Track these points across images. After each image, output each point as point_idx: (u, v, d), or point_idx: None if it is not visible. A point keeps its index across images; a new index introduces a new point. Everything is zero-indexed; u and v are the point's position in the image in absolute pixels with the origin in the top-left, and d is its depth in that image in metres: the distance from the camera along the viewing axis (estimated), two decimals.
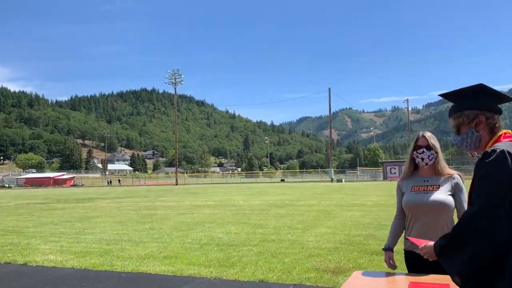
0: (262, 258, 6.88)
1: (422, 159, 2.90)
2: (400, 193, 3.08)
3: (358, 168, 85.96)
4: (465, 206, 2.75)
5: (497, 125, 1.92)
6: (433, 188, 2.88)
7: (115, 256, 7.44)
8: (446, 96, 2.08)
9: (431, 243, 1.95)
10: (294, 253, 7.24)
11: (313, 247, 7.70)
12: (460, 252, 1.75)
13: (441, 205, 2.82)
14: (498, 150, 1.73)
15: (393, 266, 3.02)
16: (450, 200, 2.84)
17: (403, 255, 3.11)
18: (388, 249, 3.08)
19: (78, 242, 9.08)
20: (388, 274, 2.84)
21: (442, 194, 2.84)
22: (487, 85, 1.94)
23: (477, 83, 1.96)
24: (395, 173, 59.60)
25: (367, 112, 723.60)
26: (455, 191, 2.88)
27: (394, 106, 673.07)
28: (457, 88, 2.04)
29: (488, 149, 1.79)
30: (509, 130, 1.92)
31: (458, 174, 2.95)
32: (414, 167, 3.02)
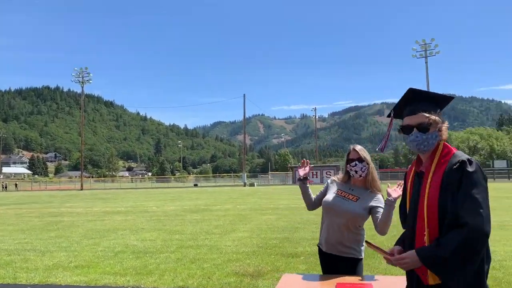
0: (181, 265, 6.79)
1: (356, 171, 3.12)
2: (325, 189, 3.34)
3: (269, 172, 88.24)
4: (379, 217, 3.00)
5: (445, 135, 2.10)
6: (353, 198, 3.11)
7: (18, 267, 6.84)
8: (420, 93, 2.10)
9: (412, 253, 1.93)
10: (213, 258, 7.25)
11: (232, 252, 7.78)
12: (470, 263, 1.81)
13: (353, 215, 3.06)
14: (473, 160, 1.91)
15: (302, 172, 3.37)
16: (361, 213, 3.06)
17: (317, 255, 3.35)
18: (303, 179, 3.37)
19: None
20: (314, 276, 3.01)
21: (358, 206, 3.07)
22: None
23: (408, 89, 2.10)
24: None
25: (278, 119, 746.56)
26: (372, 207, 3.07)
27: (303, 114, 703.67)
28: (430, 91, 2.13)
29: (464, 158, 1.92)
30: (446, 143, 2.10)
31: (382, 195, 3.19)
32: (349, 176, 3.24)
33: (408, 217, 2.13)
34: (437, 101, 2.11)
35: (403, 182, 2.39)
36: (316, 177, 61.50)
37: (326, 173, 59.66)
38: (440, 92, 2.23)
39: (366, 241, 2.36)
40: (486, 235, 1.81)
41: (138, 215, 15.30)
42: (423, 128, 2.03)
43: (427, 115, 2.03)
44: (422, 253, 1.90)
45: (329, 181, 3.37)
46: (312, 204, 3.37)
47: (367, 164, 3.11)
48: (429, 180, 1.99)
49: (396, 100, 2.32)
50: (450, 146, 2.07)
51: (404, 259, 1.94)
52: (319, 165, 76.22)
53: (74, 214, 16.69)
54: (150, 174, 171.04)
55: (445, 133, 2.07)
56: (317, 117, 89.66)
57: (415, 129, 2.04)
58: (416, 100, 2.09)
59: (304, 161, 3.42)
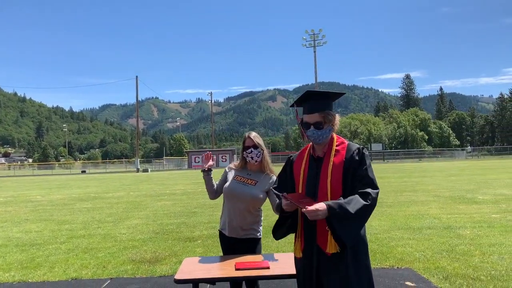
0: (73, 255, 6.52)
1: (252, 157, 3.33)
2: (225, 177, 3.49)
3: (164, 157, 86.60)
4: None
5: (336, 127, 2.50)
6: (251, 182, 3.34)
7: None
8: (315, 94, 2.44)
9: (323, 205, 2.16)
10: (107, 247, 7.07)
11: (127, 239, 7.65)
12: (359, 222, 2.26)
13: (253, 199, 3.29)
14: (363, 147, 2.42)
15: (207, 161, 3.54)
16: (261, 196, 3.31)
17: (218, 237, 3.54)
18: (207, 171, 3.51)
19: None
20: (214, 258, 3.19)
21: (257, 190, 3.31)
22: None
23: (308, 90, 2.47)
24: (199, 162, 62.39)
25: (173, 103, 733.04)
26: (269, 189, 3.32)
27: (199, 98, 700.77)
28: (325, 90, 2.48)
29: (359, 146, 2.43)
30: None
31: (275, 175, 3.44)
32: (245, 162, 3.43)
33: (308, 193, 2.41)
34: (331, 98, 2.49)
35: None
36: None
37: (222, 157, 60.55)
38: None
39: (283, 195, 2.32)
40: (375, 205, 2.30)
41: (20, 206, 14.08)
42: (318, 126, 2.40)
43: (322, 114, 2.40)
44: (333, 206, 2.18)
45: (226, 169, 3.53)
46: (214, 193, 3.50)
47: (262, 150, 3.35)
48: (330, 163, 2.38)
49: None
50: (340, 136, 2.53)
51: (318, 211, 2.16)
52: (215, 149, 76.85)
53: None
54: (30, 160, 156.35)
55: (337, 125, 2.47)
56: (213, 101, 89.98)
57: (312, 126, 2.40)
58: (312, 100, 2.44)
59: (208, 154, 3.55)
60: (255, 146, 3.33)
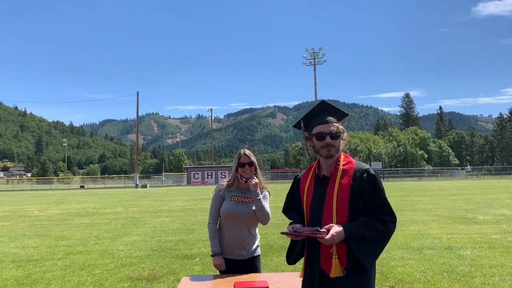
0: (70, 272, 6.45)
1: (247, 175, 3.30)
2: (220, 200, 3.37)
3: (163, 173, 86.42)
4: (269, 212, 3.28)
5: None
6: (249, 201, 3.31)
7: None
8: (330, 105, 2.42)
9: (338, 228, 2.13)
10: (104, 264, 7.00)
11: (125, 256, 7.58)
12: (377, 246, 2.23)
13: (252, 217, 3.28)
14: (372, 169, 2.33)
15: (224, 267, 3.27)
16: None
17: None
18: (218, 254, 3.31)
19: None
20: (213, 277, 3.16)
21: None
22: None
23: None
24: (198, 178, 62.28)
25: (173, 118, 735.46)
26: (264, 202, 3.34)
27: (199, 114, 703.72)
28: (336, 106, 2.45)
29: (367, 168, 2.32)
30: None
31: (268, 190, 3.44)
32: (238, 180, 3.38)
33: (312, 213, 2.35)
34: (340, 115, 2.45)
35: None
36: (211, 177, 61.93)
37: (221, 174, 60.39)
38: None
39: (296, 231, 2.26)
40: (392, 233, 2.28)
41: (17, 220, 13.99)
42: (334, 135, 2.33)
43: (337, 125, 2.36)
44: (350, 229, 2.17)
45: (216, 192, 3.41)
46: (217, 223, 3.41)
47: (256, 168, 3.33)
48: (337, 184, 2.28)
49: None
50: (347, 155, 2.45)
51: (334, 237, 2.12)
52: (214, 165, 76.76)
53: None
54: (29, 175, 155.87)
55: (343, 144, 2.41)
56: (213, 118, 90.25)
57: (327, 136, 2.31)
58: (327, 111, 2.41)
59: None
60: (250, 164, 3.30)
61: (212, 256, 3.33)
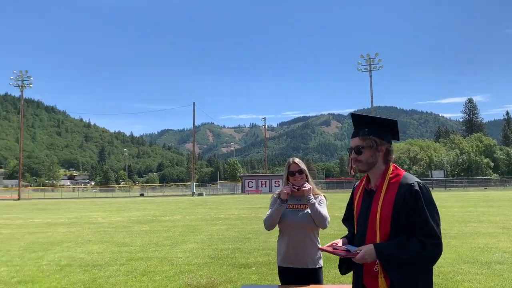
0: (132, 278, 6.68)
1: (298, 183, 3.29)
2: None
3: (218, 181, 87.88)
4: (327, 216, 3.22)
5: (391, 156, 2.31)
6: (305, 207, 3.28)
7: None
8: (361, 118, 2.34)
9: (369, 249, 2.08)
10: (164, 270, 7.18)
11: (183, 263, 7.74)
12: (413, 269, 2.07)
13: (310, 223, 3.23)
14: (421, 182, 2.17)
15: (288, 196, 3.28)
16: None
17: (272, 265, 3.44)
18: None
19: None
20: None
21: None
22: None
23: (392, 118, 2.30)
24: (252, 186, 62.65)
25: (228, 128, 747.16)
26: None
27: (252, 123, 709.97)
28: (371, 115, 2.36)
29: (413, 182, 2.15)
30: (394, 164, 2.32)
31: (323, 195, 3.41)
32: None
33: (358, 227, 2.32)
34: (378, 124, 2.31)
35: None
36: (265, 186, 62.07)
37: (275, 182, 60.38)
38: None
39: (320, 248, 2.39)
40: (441, 251, 2.09)
41: (83, 227, 14.77)
42: (358, 151, 2.27)
43: (362, 138, 2.27)
44: (381, 250, 2.08)
45: (272, 200, 3.40)
46: (275, 225, 3.36)
47: (306, 175, 3.32)
48: (381, 199, 2.18)
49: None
50: (398, 167, 2.30)
51: (365, 256, 2.08)
52: (268, 174, 76.93)
53: (13, 226, 15.81)
54: (93, 183, 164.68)
55: (383, 156, 2.27)
56: (266, 126, 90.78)
57: (352, 151, 2.30)
58: (356, 124, 2.36)
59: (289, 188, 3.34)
60: (301, 172, 3.29)
61: (279, 197, 3.29)
